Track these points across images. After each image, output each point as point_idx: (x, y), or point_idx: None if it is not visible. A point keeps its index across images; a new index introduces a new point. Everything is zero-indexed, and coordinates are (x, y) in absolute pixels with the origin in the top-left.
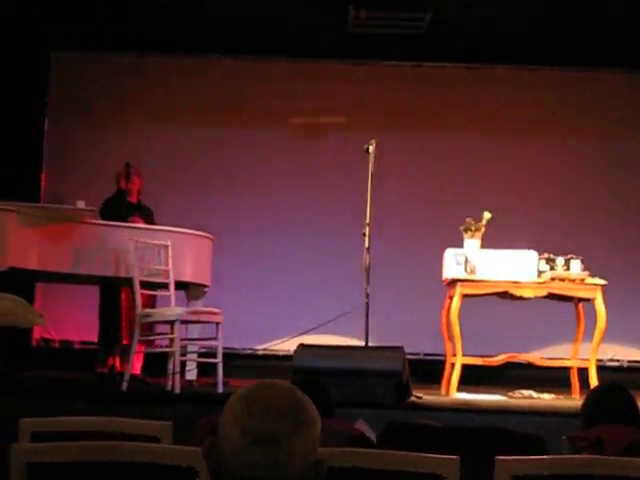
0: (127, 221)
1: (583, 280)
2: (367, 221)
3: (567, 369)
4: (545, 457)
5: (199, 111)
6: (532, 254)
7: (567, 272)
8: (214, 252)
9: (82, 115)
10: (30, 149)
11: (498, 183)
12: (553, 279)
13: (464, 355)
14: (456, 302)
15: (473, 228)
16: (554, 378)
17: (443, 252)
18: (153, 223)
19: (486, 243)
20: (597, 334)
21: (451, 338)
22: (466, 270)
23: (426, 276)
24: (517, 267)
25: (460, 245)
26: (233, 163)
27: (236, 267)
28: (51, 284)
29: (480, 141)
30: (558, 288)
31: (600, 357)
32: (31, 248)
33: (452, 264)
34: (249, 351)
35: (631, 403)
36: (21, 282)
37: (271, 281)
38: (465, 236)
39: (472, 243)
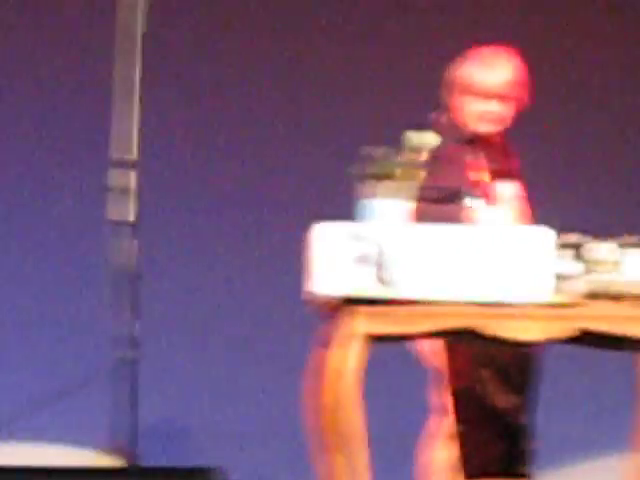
0: None
1: None
2: None
3: None
4: None
5: None
6: (545, 234)
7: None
8: None
9: None
10: None
11: None
12: (595, 296)
13: None
14: (353, 357)
15: (388, 170)
16: None
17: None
18: None
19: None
20: None
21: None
22: (381, 278)
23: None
24: (505, 268)
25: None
26: None
27: None
28: None
29: None
30: (604, 320)
31: None
32: None
33: (343, 261)
34: None
35: None
36: None
37: None
38: (368, 189)
39: (387, 206)
